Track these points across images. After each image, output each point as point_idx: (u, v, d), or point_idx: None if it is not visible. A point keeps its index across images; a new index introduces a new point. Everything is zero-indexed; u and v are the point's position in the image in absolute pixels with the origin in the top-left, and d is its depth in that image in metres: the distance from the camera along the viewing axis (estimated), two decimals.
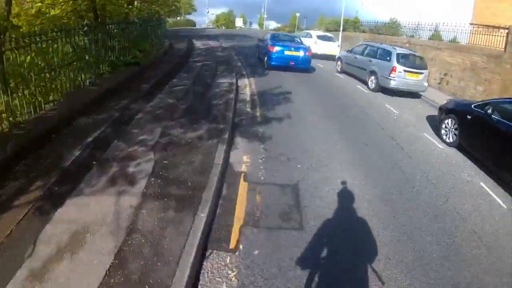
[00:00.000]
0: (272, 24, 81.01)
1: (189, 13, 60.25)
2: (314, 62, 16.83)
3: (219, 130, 6.19)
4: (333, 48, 18.48)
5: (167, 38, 20.47)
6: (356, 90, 12.30)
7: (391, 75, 11.10)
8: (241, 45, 21.83)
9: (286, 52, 12.44)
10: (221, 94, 8.90)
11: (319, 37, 18.84)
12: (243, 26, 74.09)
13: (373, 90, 12.03)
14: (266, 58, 13.05)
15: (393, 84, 11.21)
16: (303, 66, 12.83)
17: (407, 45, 15.46)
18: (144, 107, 7.23)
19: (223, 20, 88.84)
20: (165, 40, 18.95)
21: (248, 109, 8.47)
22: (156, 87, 9.00)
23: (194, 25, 56.15)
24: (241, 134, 6.69)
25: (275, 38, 13.84)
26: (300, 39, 15.30)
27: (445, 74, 13.70)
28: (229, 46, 21.58)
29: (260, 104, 8.99)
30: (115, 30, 10.29)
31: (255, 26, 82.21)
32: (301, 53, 12.65)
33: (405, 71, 11.14)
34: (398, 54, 11.29)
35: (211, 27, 61.25)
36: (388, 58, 11.46)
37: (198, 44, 21.64)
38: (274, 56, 12.48)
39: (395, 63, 11.10)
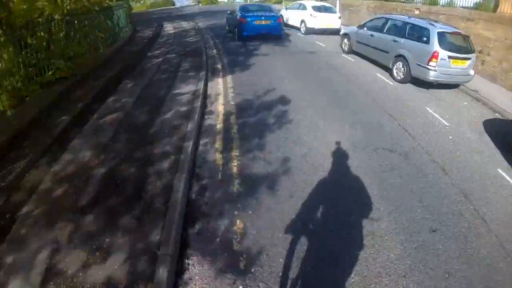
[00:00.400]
0: None
1: None
2: (312, 40, 13.32)
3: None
4: (334, 20, 14.65)
5: (131, 26, 16.67)
6: (375, 81, 8.83)
7: (431, 63, 7.73)
8: (220, 25, 17.93)
9: (257, 22, 12.24)
10: (174, 125, 5.45)
11: (315, 8, 14.96)
12: (226, 0, 68.39)
13: (401, 81, 8.73)
14: (237, 30, 12.78)
15: (432, 75, 7.84)
16: (275, 33, 12.67)
17: (416, 12, 11.74)
18: (39, 180, 3.96)
19: None
20: (126, 30, 15.18)
21: (218, 160, 4.67)
22: (77, 120, 5.62)
23: (173, 4, 50.96)
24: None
25: (245, 9, 13.26)
26: (270, 7, 14.53)
27: (480, 52, 10.02)
28: (206, 27, 17.68)
29: (241, 141, 5.23)
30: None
31: None
32: (271, 22, 12.42)
33: (449, 57, 7.73)
34: (440, 34, 7.85)
35: (192, 4, 55.97)
36: (424, 39, 8.02)
37: (168, 28, 17.69)
38: (245, 27, 12.20)
39: (436, 47, 7.70)
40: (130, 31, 15.37)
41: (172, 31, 16.41)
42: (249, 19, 12.21)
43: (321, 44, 12.66)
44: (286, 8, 17.89)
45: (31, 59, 6.61)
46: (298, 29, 15.43)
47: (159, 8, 39.99)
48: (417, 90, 8.25)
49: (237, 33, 12.79)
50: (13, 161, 4.23)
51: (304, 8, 15.14)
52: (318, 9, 14.90)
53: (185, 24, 19.03)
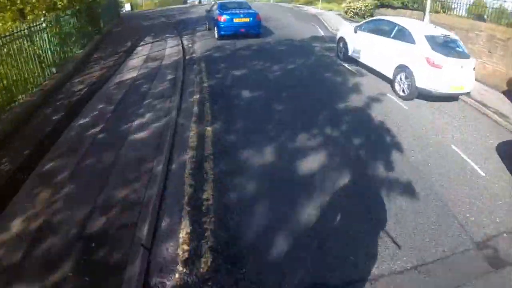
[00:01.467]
0: None
1: None
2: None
3: None
4: (467, 75, 6.89)
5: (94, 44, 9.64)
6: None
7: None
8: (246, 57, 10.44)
9: (235, 20, 11.59)
10: None
11: (436, 42, 6.94)
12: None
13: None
14: (215, 28, 12.04)
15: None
16: (254, 32, 12.04)
17: None
18: None
19: None
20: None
21: None
22: None
23: (185, 2, 43.92)
24: None
25: (223, 7, 12.27)
26: (248, 4, 13.66)
27: None
28: (208, 58, 10.31)
29: None
30: None
31: None
32: (250, 19, 11.79)
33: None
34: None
35: (206, 3, 49.11)
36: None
37: (138, 57, 10.46)
38: (223, 25, 11.51)
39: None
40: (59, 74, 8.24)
41: (131, 76, 8.91)
42: (228, 16, 11.55)
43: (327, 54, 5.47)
44: (358, 28, 9.04)
45: None
46: (388, 79, 7.72)
47: (165, 8, 33.10)
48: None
49: (216, 32, 12.01)
50: None
51: (408, 37, 7.16)
52: (441, 46, 6.86)
53: (173, 45, 11.83)
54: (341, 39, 9.58)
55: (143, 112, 5.87)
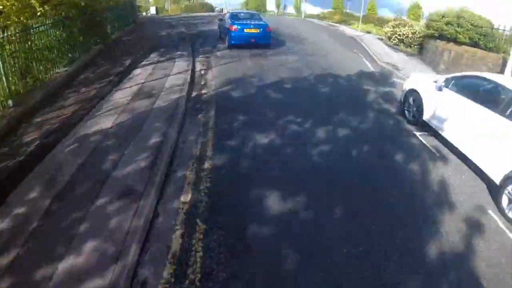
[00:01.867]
0: (310, 8, 65.07)
1: None
2: None
3: None
4: None
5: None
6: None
7: None
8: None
9: (246, 30, 11.80)
10: None
11: None
12: (276, 11, 58.50)
13: None
14: (227, 37, 12.02)
15: None
16: (264, 42, 12.06)
17: None
18: None
19: (253, 2, 73.41)
20: None
21: None
22: None
23: (212, 9, 41.90)
24: None
25: (235, 17, 12.74)
26: (259, 15, 14.00)
27: None
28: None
29: None
30: None
31: (290, 9, 66.15)
32: (260, 30, 11.99)
33: None
34: None
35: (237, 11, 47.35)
36: None
37: (129, 87, 7.76)
38: (234, 35, 11.65)
39: None
40: None
41: (102, 128, 5.85)
42: (239, 26, 11.71)
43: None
44: (445, 84, 5.87)
45: None
46: (488, 181, 4.57)
47: (189, 15, 31.01)
48: None
49: (227, 41, 11.96)
50: None
51: None
52: None
53: (181, 69, 9.08)
54: (412, 92, 6.60)
55: (83, 234, 3.11)
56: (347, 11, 57.46)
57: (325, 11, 48.96)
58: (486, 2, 12.04)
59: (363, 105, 7.28)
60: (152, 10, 47.67)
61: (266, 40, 12.06)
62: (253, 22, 12.17)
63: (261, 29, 11.98)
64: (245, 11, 16.37)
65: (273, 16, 50.17)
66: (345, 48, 14.00)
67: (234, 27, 11.69)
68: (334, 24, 25.86)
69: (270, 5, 57.67)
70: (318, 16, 34.03)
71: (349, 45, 14.92)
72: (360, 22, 24.61)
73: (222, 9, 49.10)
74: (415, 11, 49.55)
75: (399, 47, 16.02)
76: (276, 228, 3.37)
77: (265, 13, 65.44)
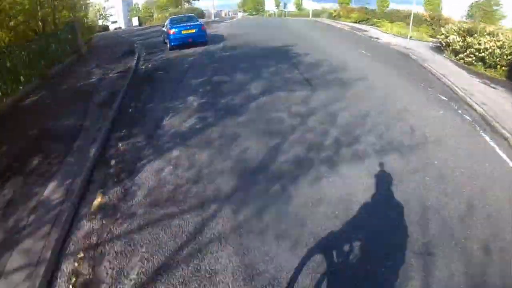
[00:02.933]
0: (311, 4, 58.13)
1: None
2: None
3: None
4: None
5: None
6: None
7: None
8: None
9: (183, 32, 12.32)
10: None
11: None
12: (275, 10, 51.76)
13: None
14: (168, 40, 12.58)
15: None
16: (200, 40, 12.60)
17: None
18: None
19: (251, 2, 66.35)
20: None
21: None
22: None
23: (202, 16, 35.56)
24: None
25: (173, 22, 13.18)
26: (196, 17, 14.53)
27: None
28: None
29: None
30: None
31: (290, 8, 59.26)
32: (196, 30, 12.52)
33: None
34: None
35: (227, 18, 40.69)
36: None
37: None
38: (173, 37, 12.20)
39: None
40: None
41: None
42: (177, 29, 12.23)
43: None
44: None
45: None
46: None
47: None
48: None
49: (168, 43, 12.45)
50: None
51: None
52: None
53: None
54: None
55: None
56: (353, 5, 50.09)
57: (333, 7, 42.17)
58: None
59: None
60: (135, 21, 41.47)
61: (202, 38, 12.63)
62: (189, 24, 12.66)
63: (197, 29, 12.57)
64: (182, 15, 16.95)
65: (273, 17, 43.47)
66: (413, 85, 7.59)
67: (173, 30, 12.22)
68: (359, 27, 19.14)
69: (269, 5, 51.09)
70: (329, 15, 27.28)
71: (411, 75, 8.48)
72: (390, 25, 18.03)
73: (211, 14, 43.01)
74: (433, 1, 42.20)
75: (476, 68, 9.61)
76: None
77: (263, 14, 58.74)
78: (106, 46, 14.58)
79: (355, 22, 23.01)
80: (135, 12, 49.28)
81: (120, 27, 42.02)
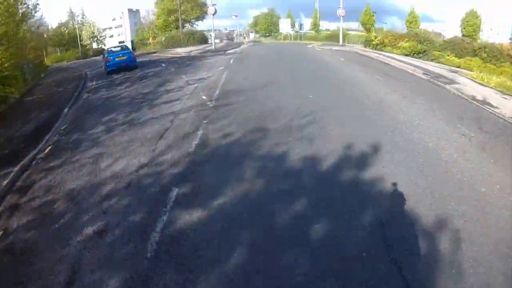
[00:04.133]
0: (325, 24, 51.87)
1: (198, 19, 33.15)
2: None
3: None
4: None
5: None
6: None
7: None
8: None
9: (117, 59, 14.02)
10: None
11: None
12: (292, 32, 45.53)
13: None
14: (105, 67, 14.29)
15: None
16: (131, 65, 14.24)
17: None
18: None
19: (263, 23, 60.69)
20: None
21: None
22: None
23: (205, 40, 29.38)
24: None
25: (109, 52, 14.95)
26: (127, 46, 17.81)
27: None
28: None
29: None
30: None
31: (307, 25, 53.14)
32: (127, 57, 14.31)
33: None
34: None
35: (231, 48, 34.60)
36: None
37: None
38: (109, 64, 13.85)
39: None
40: None
41: None
42: (112, 57, 13.98)
43: None
44: None
45: None
46: None
47: (163, 55, 18.69)
48: None
49: (105, 69, 14.21)
50: None
51: None
52: None
53: None
54: None
55: None
56: (377, 26, 43.07)
57: (364, 30, 35.72)
58: None
59: None
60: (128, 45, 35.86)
61: (132, 63, 14.40)
62: (121, 52, 14.61)
63: (128, 56, 14.42)
64: (117, 45, 17.94)
65: (288, 41, 36.75)
66: None
67: (108, 58, 14.04)
68: (429, 70, 12.02)
69: (284, 26, 44.98)
70: (366, 41, 20.45)
71: None
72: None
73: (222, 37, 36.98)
74: (472, 22, 35.27)
75: None
76: None
77: (276, 35, 52.61)
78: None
79: (407, 55, 16.11)
80: (140, 32, 43.84)
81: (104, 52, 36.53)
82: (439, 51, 17.15)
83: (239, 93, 7.61)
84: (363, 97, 7.01)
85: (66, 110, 7.74)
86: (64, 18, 52.18)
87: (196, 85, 8.94)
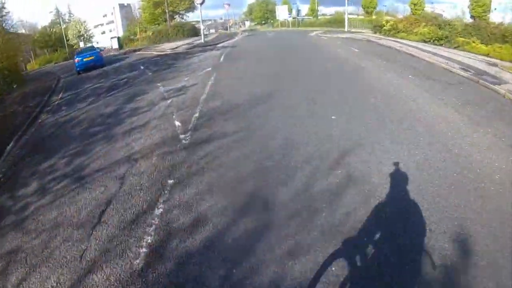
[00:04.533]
0: (322, 10, 48.84)
1: (188, 10, 30.36)
2: None
3: None
4: None
5: None
6: None
7: None
8: None
9: (85, 59, 14.74)
10: None
11: None
12: (289, 19, 42.72)
13: None
14: (75, 67, 14.91)
15: None
16: (99, 64, 15.04)
17: None
18: None
19: (258, 10, 57.36)
20: None
21: None
22: None
23: (195, 33, 26.86)
24: None
25: (78, 53, 15.67)
26: (94, 47, 19.10)
27: None
28: None
29: None
30: None
31: (303, 11, 50.03)
32: (94, 57, 15.10)
33: None
34: None
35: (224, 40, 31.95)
36: None
37: None
38: (77, 64, 14.59)
39: None
40: None
41: None
42: (80, 58, 14.70)
43: None
44: None
45: None
46: None
47: (149, 53, 16.52)
48: None
49: (75, 69, 14.84)
50: None
51: None
52: None
53: None
54: None
55: None
56: (380, 10, 40.54)
57: (365, 14, 33.26)
58: None
59: None
60: (114, 44, 32.94)
61: (99, 62, 15.16)
62: (89, 53, 15.33)
63: (95, 56, 15.13)
64: (84, 47, 19.87)
65: (287, 28, 33.57)
66: None
67: (77, 59, 14.70)
68: (464, 63, 9.75)
69: (282, 13, 42.02)
70: (374, 27, 18.03)
71: None
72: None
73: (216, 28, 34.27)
74: (482, 1, 32.35)
75: None
76: None
77: (273, 23, 49.69)
78: None
79: (426, 41, 13.80)
80: (132, 28, 41.08)
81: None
82: (462, 36, 14.78)
83: (227, 116, 5.44)
84: (410, 119, 4.84)
85: (9, 147, 5.63)
86: (51, 18, 49.30)
87: (171, 100, 6.76)
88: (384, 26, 16.37)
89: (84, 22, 44.35)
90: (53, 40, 44.80)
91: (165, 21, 28.36)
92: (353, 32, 19.17)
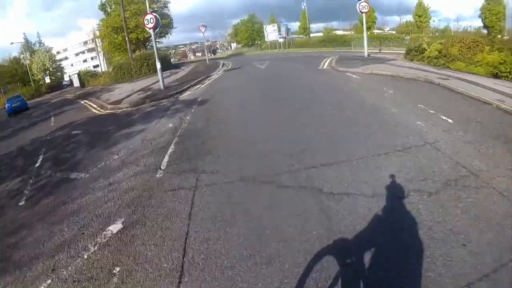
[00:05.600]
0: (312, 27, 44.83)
1: (162, 35, 25.02)
2: None
3: None
4: None
5: None
6: None
7: None
8: None
9: (13, 104, 18.49)
10: None
11: None
12: (281, 40, 38.00)
13: None
14: (6, 111, 18.61)
15: None
16: (24, 107, 18.95)
17: None
18: None
19: (244, 31, 52.70)
20: None
21: None
22: None
23: (168, 66, 21.48)
24: None
25: (8, 100, 19.34)
26: (20, 96, 21.58)
27: None
28: None
29: None
30: None
31: (294, 29, 45.53)
32: (19, 103, 19.01)
33: None
34: None
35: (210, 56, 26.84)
36: None
37: None
38: (8, 109, 18.36)
39: None
40: None
41: None
42: (9, 104, 18.51)
43: None
44: None
45: None
46: None
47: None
48: None
49: (6, 112, 18.41)
50: None
51: None
52: None
53: None
54: None
55: None
56: (378, 29, 36.83)
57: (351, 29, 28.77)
58: None
59: None
60: (75, 82, 26.94)
61: (24, 106, 19.06)
62: (16, 100, 19.06)
63: (20, 102, 18.99)
64: (14, 95, 21.35)
65: (278, 55, 27.28)
66: None
67: (7, 105, 18.40)
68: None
69: (271, 34, 37.33)
70: (414, 51, 12.86)
71: None
72: None
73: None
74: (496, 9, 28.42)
75: None
76: None
77: (261, 45, 44.91)
78: None
79: (494, 75, 8.63)
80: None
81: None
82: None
83: None
84: None
85: None
86: (20, 48, 43.42)
87: None
88: (425, 50, 11.11)
89: (48, 52, 38.56)
90: (19, 74, 39.22)
91: (136, 50, 22.99)
92: (380, 60, 13.75)
